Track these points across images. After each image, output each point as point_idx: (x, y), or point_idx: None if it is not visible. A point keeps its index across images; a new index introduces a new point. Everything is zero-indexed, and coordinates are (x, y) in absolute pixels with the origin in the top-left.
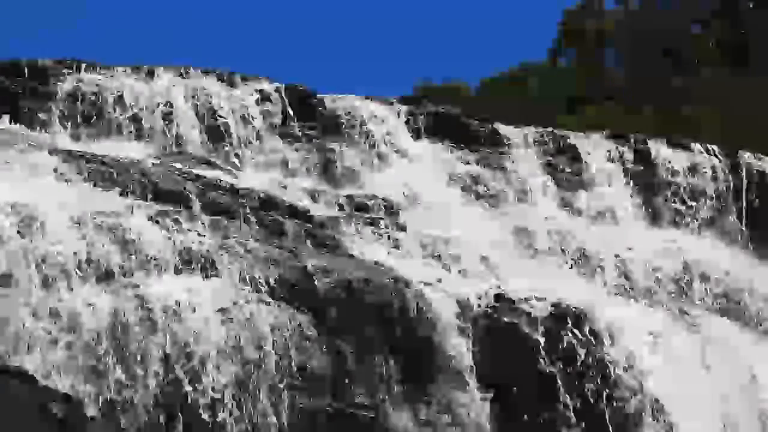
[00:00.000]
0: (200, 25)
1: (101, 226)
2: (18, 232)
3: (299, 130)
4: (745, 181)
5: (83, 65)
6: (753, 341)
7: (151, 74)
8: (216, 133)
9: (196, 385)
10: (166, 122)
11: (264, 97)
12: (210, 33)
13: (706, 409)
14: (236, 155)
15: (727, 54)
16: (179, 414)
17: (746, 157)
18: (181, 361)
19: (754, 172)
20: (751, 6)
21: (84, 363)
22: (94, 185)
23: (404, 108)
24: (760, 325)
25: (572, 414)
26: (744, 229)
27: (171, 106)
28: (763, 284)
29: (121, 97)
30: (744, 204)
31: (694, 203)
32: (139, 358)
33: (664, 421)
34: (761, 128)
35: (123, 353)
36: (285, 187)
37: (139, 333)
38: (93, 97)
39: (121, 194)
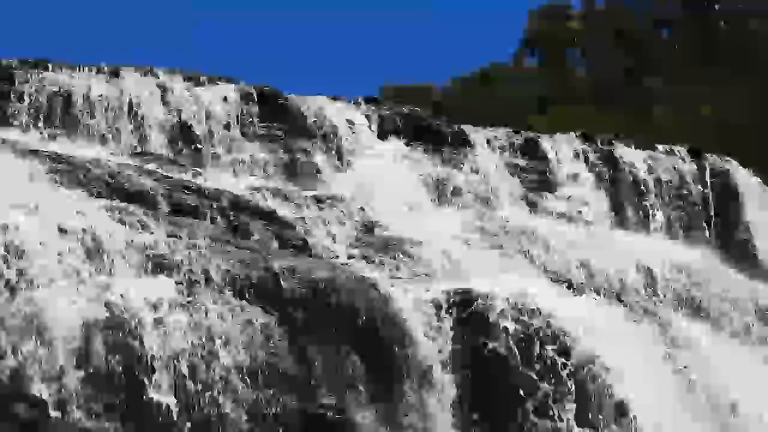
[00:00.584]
0: (169, 26)
1: (66, 225)
2: None
3: (266, 131)
4: (710, 183)
5: (49, 65)
6: (717, 341)
7: (116, 74)
8: (182, 134)
9: (160, 385)
10: (132, 122)
11: (231, 98)
12: (178, 35)
13: (669, 408)
14: (202, 155)
15: (694, 56)
16: (142, 415)
17: (711, 158)
18: (144, 362)
19: (719, 173)
20: (716, 8)
21: (49, 364)
22: (60, 185)
23: (371, 109)
24: (725, 325)
25: (537, 410)
26: (709, 229)
27: (136, 106)
28: (727, 285)
29: (86, 97)
30: (709, 205)
31: (659, 204)
32: (104, 359)
33: (630, 420)
34: (728, 129)
35: (88, 354)
36: (251, 188)
37: (104, 333)
38: (58, 97)
39: (86, 194)
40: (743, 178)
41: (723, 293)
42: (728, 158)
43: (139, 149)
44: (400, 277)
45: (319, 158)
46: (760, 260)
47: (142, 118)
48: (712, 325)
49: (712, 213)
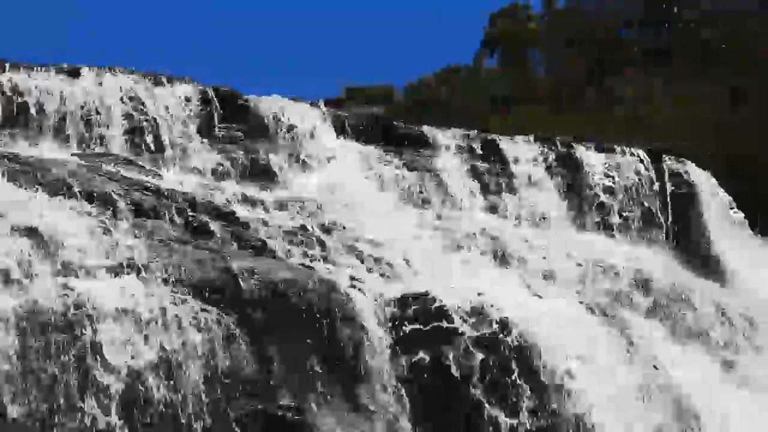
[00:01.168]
0: (125, 26)
1: (25, 225)
2: None
3: (225, 131)
4: (668, 184)
5: (7, 65)
6: (675, 343)
7: (75, 74)
8: (141, 134)
9: (116, 384)
10: (91, 122)
11: (190, 98)
12: (136, 35)
13: (630, 409)
14: (161, 156)
15: (653, 58)
16: (98, 418)
17: (669, 160)
18: (101, 362)
19: (677, 175)
20: (675, 10)
21: (8, 365)
22: (19, 185)
23: (331, 110)
24: (683, 327)
25: (496, 413)
26: (667, 231)
27: (95, 105)
28: (685, 286)
29: (44, 97)
30: (667, 207)
31: (618, 206)
32: (61, 360)
33: (591, 424)
34: (686, 130)
35: (47, 355)
36: (211, 189)
37: (62, 334)
38: (16, 97)
39: (45, 194)
40: (701, 180)
41: (681, 295)
42: (686, 160)
43: (98, 149)
44: (359, 279)
45: (279, 159)
46: (717, 262)
47: (101, 118)
48: (671, 327)
49: (669, 215)
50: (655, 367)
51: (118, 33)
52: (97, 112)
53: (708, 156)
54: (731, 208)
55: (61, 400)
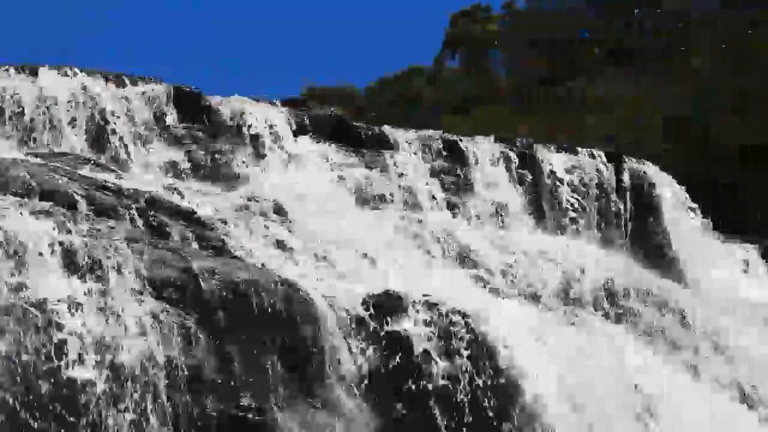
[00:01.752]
0: (86, 26)
1: None
2: None
3: (186, 131)
4: (628, 186)
5: None
6: (636, 344)
7: (34, 73)
8: (102, 134)
9: (77, 387)
10: (50, 122)
11: (151, 98)
12: (95, 35)
13: (588, 408)
14: (122, 156)
15: (615, 58)
16: (63, 421)
17: (630, 162)
18: (59, 365)
19: (637, 176)
20: (636, 12)
21: None
22: None
23: (291, 110)
24: (643, 328)
25: (457, 414)
26: (627, 232)
27: (55, 105)
28: (645, 288)
29: (2, 96)
30: (627, 208)
31: (579, 207)
32: (16, 360)
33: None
34: (648, 131)
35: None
36: (171, 188)
37: (17, 335)
38: None
39: (3, 194)
40: (661, 181)
41: (641, 296)
42: (646, 161)
43: (57, 149)
44: (320, 279)
45: (240, 159)
46: (676, 263)
47: (61, 117)
48: (631, 328)
49: (629, 215)
50: (616, 367)
51: (65, 33)
52: (57, 112)
53: (669, 156)
54: (691, 209)
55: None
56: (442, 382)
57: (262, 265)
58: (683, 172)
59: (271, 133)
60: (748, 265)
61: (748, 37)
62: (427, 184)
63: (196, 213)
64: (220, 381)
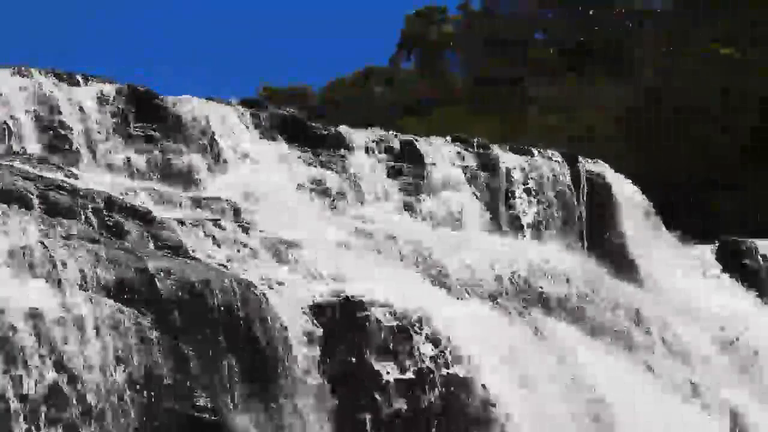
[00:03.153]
0: (38, 24)
1: None
2: None
3: (141, 131)
4: (584, 187)
5: None
6: (592, 345)
7: None
8: (56, 134)
9: (30, 388)
10: (5, 122)
11: (106, 98)
12: (48, 33)
13: (544, 410)
14: (77, 155)
15: (569, 59)
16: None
17: (586, 163)
18: (17, 365)
19: (592, 177)
20: (591, 13)
21: None
22: None
23: (247, 110)
24: (601, 329)
25: (413, 413)
26: (583, 233)
27: (9, 105)
28: (601, 289)
29: None
30: (583, 209)
31: (534, 207)
32: None
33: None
34: (602, 132)
35: None
36: (126, 188)
37: None
38: None
39: None
40: (617, 182)
41: (597, 297)
42: (601, 162)
43: (12, 149)
44: (276, 279)
45: (195, 159)
46: (633, 264)
47: (16, 117)
48: (588, 329)
49: (585, 216)
50: (572, 367)
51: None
52: (11, 112)
53: (624, 157)
54: (646, 209)
55: None
56: (397, 383)
57: (219, 264)
58: (637, 173)
59: (227, 133)
60: (703, 265)
61: (698, 37)
62: (382, 184)
63: (151, 213)
64: (175, 381)
